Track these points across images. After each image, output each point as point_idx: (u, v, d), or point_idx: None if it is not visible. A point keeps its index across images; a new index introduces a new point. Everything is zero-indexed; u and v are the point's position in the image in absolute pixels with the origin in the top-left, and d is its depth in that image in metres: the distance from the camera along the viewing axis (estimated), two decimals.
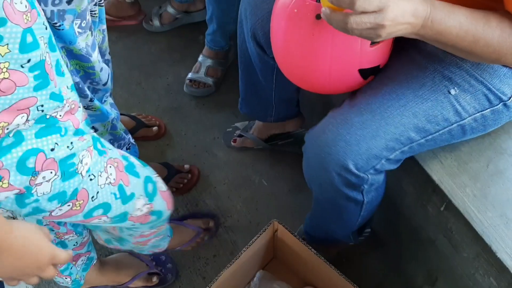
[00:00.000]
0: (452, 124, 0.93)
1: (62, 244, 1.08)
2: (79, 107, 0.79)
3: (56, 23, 0.94)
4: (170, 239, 1.28)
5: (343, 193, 0.98)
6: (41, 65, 0.67)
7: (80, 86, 1.08)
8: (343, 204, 1.03)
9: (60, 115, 0.73)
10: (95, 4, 1.13)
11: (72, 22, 0.97)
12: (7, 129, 0.66)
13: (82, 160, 0.77)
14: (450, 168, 1.01)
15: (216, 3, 1.60)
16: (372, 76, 0.98)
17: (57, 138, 0.72)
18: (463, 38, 0.78)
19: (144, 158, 1.59)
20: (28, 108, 0.67)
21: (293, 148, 1.59)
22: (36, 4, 0.68)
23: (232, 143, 1.63)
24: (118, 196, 0.87)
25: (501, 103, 0.92)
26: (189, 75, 1.76)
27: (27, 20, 0.65)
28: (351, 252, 1.40)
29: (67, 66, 0.97)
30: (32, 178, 0.70)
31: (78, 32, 1.01)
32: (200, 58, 1.76)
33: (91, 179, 0.80)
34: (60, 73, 0.75)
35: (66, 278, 1.19)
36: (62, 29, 0.96)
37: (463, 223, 0.96)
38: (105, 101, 1.23)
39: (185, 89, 1.76)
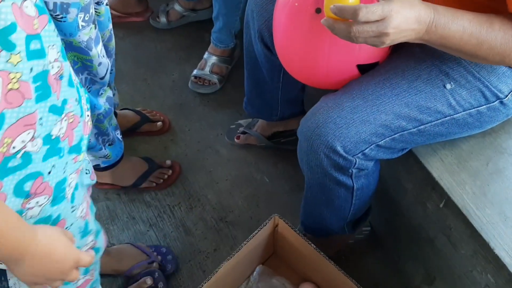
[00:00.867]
0: (445, 117, 0.94)
1: None
2: (79, 122, 0.74)
3: (58, 15, 0.95)
4: None
5: (332, 176, 1.00)
6: (44, 76, 0.63)
7: None
8: (333, 189, 1.04)
9: (62, 134, 0.69)
10: (98, 3, 1.14)
11: (77, 15, 0.98)
12: (13, 147, 0.61)
13: (70, 183, 0.74)
14: (450, 165, 1.02)
15: (223, 1, 1.62)
16: None
17: (55, 160, 0.69)
18: (467, 42, 0.79)
19: (147, 153, 1.62)
20: (34, 123, 0.63)
21: (296, 146, 1.59)
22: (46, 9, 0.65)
23: (235, 140, 1.65)
24: (82, 230, 0.85)
25: (498, 101, 0.93)
26: (194, 72, 1.78)
27: (36, 26, 0.61)
28: (351, 251, 1.41)
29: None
30: (24, 201, 0.67)
31: (82, 25, 1.02)
32: (206, 55, 1.78)
33: (73, 211, 0.78)
34: (72, 84, 0.71)
35: None
36: (64, 21, 0.97)
37: (462, 220, 0.97)
38: (101, 93, 1.24)
39: (190, 86, 1.78)
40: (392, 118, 0.92)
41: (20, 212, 0.68)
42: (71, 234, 0.70)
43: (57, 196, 0.72)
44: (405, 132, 0.94)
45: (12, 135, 0.61)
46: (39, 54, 0.61)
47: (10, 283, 1.41)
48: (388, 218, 1.35)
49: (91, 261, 0.71)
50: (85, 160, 0.81)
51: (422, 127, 0.94)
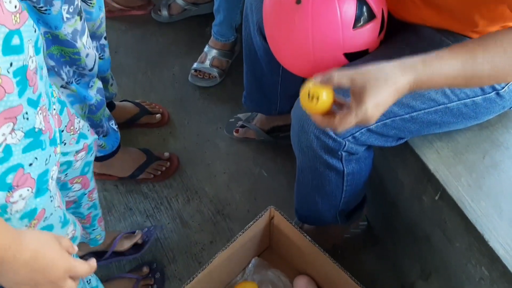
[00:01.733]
0: (438, 105, 0.93)
1: None
2: (49, 115, 0.74)
3: (42, 7, 0.94)
4: None
5: (322, 159, 0.99)
6: (23, 71, 0.62)
7: (56, 69, 1.09)
8: (324, 172, 1.03)
9: (43, 127, 0.69)
10: None
11: (61, 7, 0.97)
12: None
13: (52, 176, 0.74)
14: (446, 158, 1.01)
15: None
16: None
17: (37, 152, 0.68)
18: (454, 82, 0.79)
19: (146, 145, 1.62)
20: (15, 117, 0.62)
21: None
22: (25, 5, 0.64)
23: (234, 133, 1.65)
24: (62, 220, 0.83)
25: (494, 92, 0.93)
26: (194, 65, 1.78)
27: (16, 21, 0.60)
28: (347, 245, 1.40)
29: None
30: (8, 195, 0.65)
31: (66, 17, 1.02)
32: (206, 48, 1.78)
33: (51, 200, 0.76)
34: (41, 78, 0.71)
35: None
36: (49, 14, 0.96)
37: (457, 213, 0.96)
38: (91, 86, 1.24)
39: (189, 79, 1.78)
40: None
41: (5, 207, 0.66)
42: (68, 241, 0.66)
43: (40, 188, 0.71)
44: (397, 118, 0.94)
45: None
46: (19, 49, 0.61)
47: None
48: (385, 213, 1.35)
49: (90, 271, 0.67)
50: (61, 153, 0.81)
51: (414, 114, 0.94)
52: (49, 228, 0.81)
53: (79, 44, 1.08)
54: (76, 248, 0.67)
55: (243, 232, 1.18)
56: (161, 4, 1.96)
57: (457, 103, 0.93)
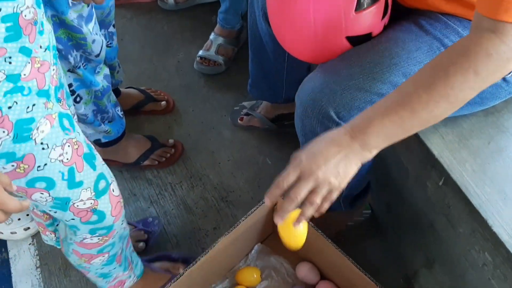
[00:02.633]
0: None
1: None
2: (51, 69, 0.76)
3: None
4: (137, 281, 1.22)
5: None
6: (14, 18, 0.65)
7: (64, 53, 1.10)
8: None
9: (25, 74, 0.71)
10: None
11: None
12: None
13: (38, 127, 0.75)
14: (451, 143, 1.00)
15: None
16: None
17: (17, 97, 0.70)
18: (397, 122, 0.76)
19: (151, 131, 1.62)
20: None
21: None
22: None
23: (238, 121, 1.64)
24: (65, 177, 0.84)
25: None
26: (200, 53, 1.78)
27: None
28: (350, 233, 1.40)
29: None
30: None
31: (71, 3, 1.02)
32: (212, 36, 1.78)
33: (43, 149, 0.77)
34: (41, 33, 0.73)
35: (50, 234, 1.21)
36: None
37: (461, 198, 0.96)
38: (98, 71, 1.24)
39: (195, 67, 1.78)
40: (388, 87, 0.91)
41: None
42: (7, 179, 0.67)
43: (20, 135, 0.72)
44: None
45: None
46: None
47: (10, 254, 1.43)
48: (389, 200, 1.35)
49: (18, 209, 0.68)
50: (61, 113, 0.80)
51: None
52: (50, 182, 0.81)
53: (85, 29, 1.08)
54: (14, 187, 0.68)
55: (246, 218, 1.18)
56: None
57: None
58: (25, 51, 0.69)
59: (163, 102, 1.67)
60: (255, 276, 1.27)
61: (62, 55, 1.10)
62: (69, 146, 0.81)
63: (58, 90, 0.81)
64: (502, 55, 0.70)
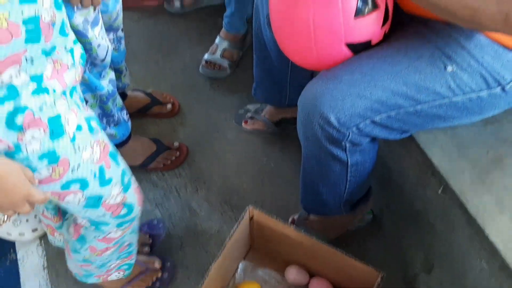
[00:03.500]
0: (443, 98, 0.93)
1: None
2: (69, 69, 0.80)
3: None
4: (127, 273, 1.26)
5: (327, 149, 1.01)
6: (35, 20, 0.69)
7: None
8: (328, 162, 1.05)
9: (47, 76, 0.75)
10: None
11: None
12: (2, 81, 0.69)
13: (68, 121, 0.79)
14: (450, 152, 1.02)
15: None
16: None
17: (44, 97, 0.75)
18: None
19: (156, 134, 1.64)
20: (20, 59, 0.70)
21: None
22: None
23: (243, 124, 1.66)
24: (97, 176, 0.88)
25: (499, 87, 0.93)
26: (205, 56, 1.79)
27: None
28: (351, 237, 1.42)
29: None
30: (19, 135, 0.73)
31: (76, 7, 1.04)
32: (217, 39, 1.80)
33: (75, 151, 0.82)
34: (64, 33, 0.77)
35: (59, 235, 1.24)
36: None
37: (459, 206, 0.97)
38: (103, 76, 1.26)
39: (200, 70, 1.80)
40: (389, 94, 0.93)
41: (19, 146, 0.74)
42: (31, 173, 0.74)
43: (55, 130, 0.77)
44: (401, 110, 0.94)
45: (1, 69, 0.68)
46: None
47: (19, 255, 1.46)
48: (390, 204, 1.36)
49: (43, 200, 0.76)
50: (84, 108, 0.86)
51: (419, 107, 0.94)
52: (84, 183, 0.86)
53: (90, 34, 1.10)
54: (36, 181, 0.76)
55: (230, 238, 1.17)
56: None
57: (462, 97, 0.93)
58: (45, 52, 0.73)
59: (169, 105, 1.69)
60: None
61: None
62: (97, 145, 0.86)
63: (75, 91, 0.85)
64: None
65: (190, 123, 1.71)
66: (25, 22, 0.68)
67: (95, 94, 1.25)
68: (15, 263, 1.43)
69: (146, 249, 1.39)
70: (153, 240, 1.42)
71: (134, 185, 1.01)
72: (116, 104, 1.37)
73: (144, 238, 1.40)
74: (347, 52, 0.98)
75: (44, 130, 0.76)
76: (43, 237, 1.45)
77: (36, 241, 1.45)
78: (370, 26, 0.96)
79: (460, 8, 0.79)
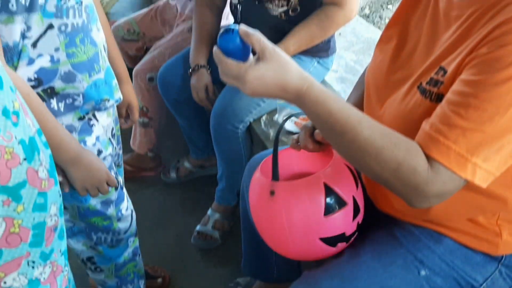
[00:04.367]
0: None
1: None
2: (63, 272, 0.84)
3: None
4: None
5: None
6: (42, 226, 0.75)
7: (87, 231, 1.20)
8: None
9: (44, 278, 0.78)
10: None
11: None
12: (5, 282, 0.72)
13: None
14: None
15: (226, 164, 1.74)
16: (344, 243, 1.02)
17: None
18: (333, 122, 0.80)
19: None
20: (21, 262, 0.73)
21: None
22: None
23: None
24: None
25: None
26: (198, 227, 1.85)
27: (44, 185, 0.74)
28: None
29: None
30: None
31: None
32: (209, 211, 1.86)
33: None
34: (61, 237, 0.82)
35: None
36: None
37: None
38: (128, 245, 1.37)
39: (192, 241, 1.84)
40: None
41: None
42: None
43: None
44: None
45: (6, 271, 0.72)
46: (42, 207, 0.74)
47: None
48: None
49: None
50: None
51: None
52: None
53: (109, 211, 1.18)
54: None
55: None
56: (171, 167, 2.10)
57: None
58: (44, 256, 0.77)
59: (160, 279, 1.70)
60: None
61: (85, 234, 1.19)
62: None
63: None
64: None
65: None
66: (33, 227, 0.73)
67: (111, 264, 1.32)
68: None
69: None
70: None
71: None
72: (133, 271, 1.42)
73: None
74: (322, 245, 1.02)
75: None
76: None
77: None
78: (342, 221, 1.00)
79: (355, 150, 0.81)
